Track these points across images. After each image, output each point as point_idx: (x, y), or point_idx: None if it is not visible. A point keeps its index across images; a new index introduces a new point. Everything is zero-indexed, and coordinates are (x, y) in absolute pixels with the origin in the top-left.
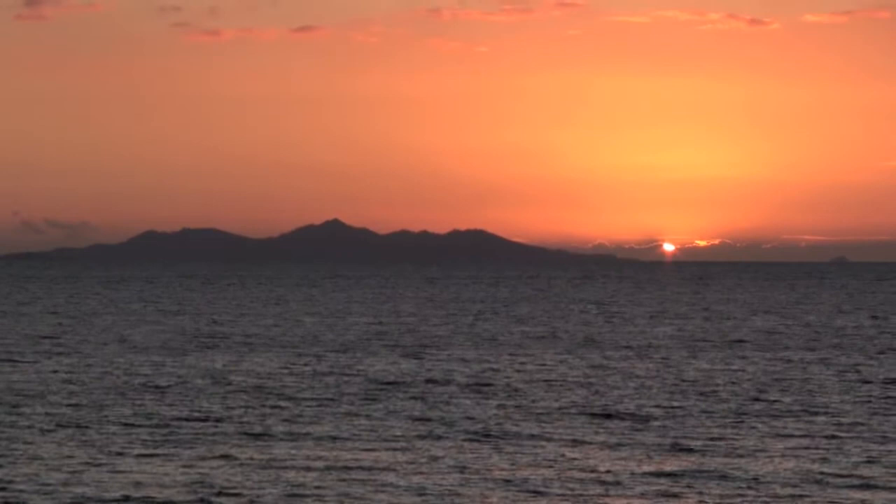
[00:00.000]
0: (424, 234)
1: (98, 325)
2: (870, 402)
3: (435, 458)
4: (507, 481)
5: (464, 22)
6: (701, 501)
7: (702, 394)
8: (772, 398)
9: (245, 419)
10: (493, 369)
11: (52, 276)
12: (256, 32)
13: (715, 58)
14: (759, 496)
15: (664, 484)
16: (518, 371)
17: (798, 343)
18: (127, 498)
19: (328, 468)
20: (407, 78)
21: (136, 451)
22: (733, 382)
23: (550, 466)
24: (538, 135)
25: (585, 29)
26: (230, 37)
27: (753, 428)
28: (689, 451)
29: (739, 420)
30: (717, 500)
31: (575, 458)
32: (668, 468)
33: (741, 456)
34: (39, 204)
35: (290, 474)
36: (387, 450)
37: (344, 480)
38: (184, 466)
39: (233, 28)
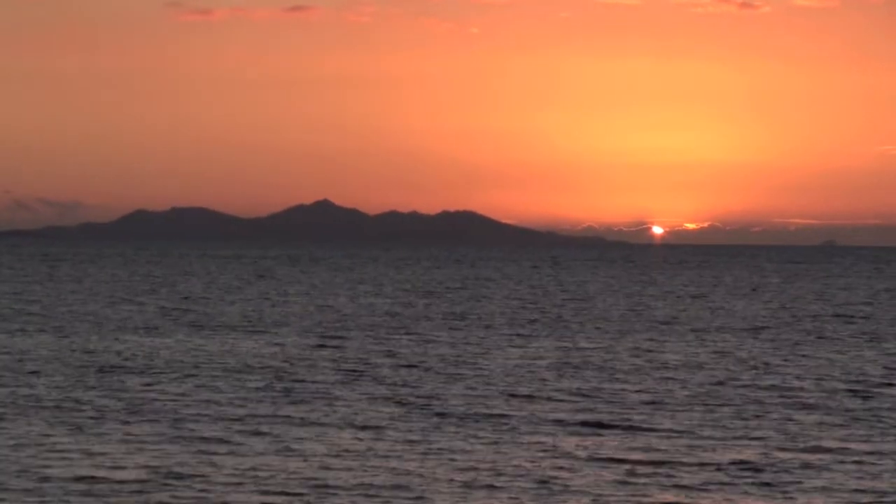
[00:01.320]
0: (414, 215)
1: (76, 302)
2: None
3: (410, 442)
4: (482, 466)
5: (456, 2)
6: (670, 483)
7: (668, 377)
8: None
9: (215, 400)
10: (465, 351)
11: (32, 253)
12: (249, 12)
13: (705, 41)
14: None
15: (632, 467)
16: (493, 353)
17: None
18: (93, 478)
19: (298, 453)
20: (399, 58)
21: (101, 431)
22: (700, 365)
23: (529, 450)
24: (529, 116)
25: (577, 11)
26: (222, 16)
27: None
28: (655, 433)
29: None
30: (679, 481)
31: (552, 441)
32: (637, 452)
33: (698, 439)
34: (31, 183)
35: (261, 460)
36: (360, 434)
37: (315, 464)
38: (150, 447)
39: (225, 7)
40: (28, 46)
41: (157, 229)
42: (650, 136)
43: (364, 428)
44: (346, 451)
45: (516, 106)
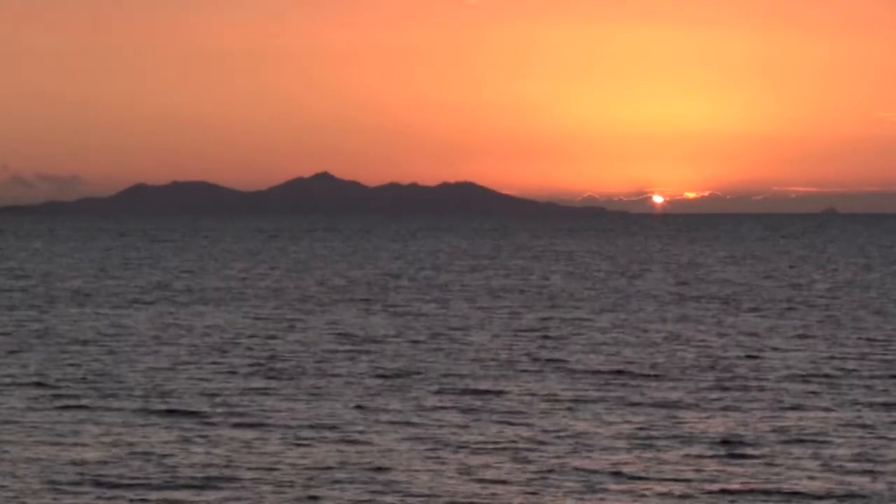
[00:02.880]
0: (414, 187)
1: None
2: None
3: (395, 412)
4: (472, 442)
5: None
6: (655, 458)
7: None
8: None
9: (199, 376)
10: (451, 324)
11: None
12: None
13: (707, 9)
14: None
15: (628, 439)
16: (479, 325)
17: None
18: (73, 462)
19: (280, 425)
20: (397, 30)
21: (73, 408)
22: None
23: (513, 423)
24: (529, 87)
25: None
26: None
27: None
28: (652, 406)
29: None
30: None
31: (542, 413)
32: (630, 424)
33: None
34: (30, 158)
35: (242, 434)
36: (344, 407)
37: (296, 436)
38: (124, 425)
39: None
40: (24, 21)
41: (157, 204)
42: (650, 105)
43: (347, 404)
44: (328, 426)
45: (516, 76)
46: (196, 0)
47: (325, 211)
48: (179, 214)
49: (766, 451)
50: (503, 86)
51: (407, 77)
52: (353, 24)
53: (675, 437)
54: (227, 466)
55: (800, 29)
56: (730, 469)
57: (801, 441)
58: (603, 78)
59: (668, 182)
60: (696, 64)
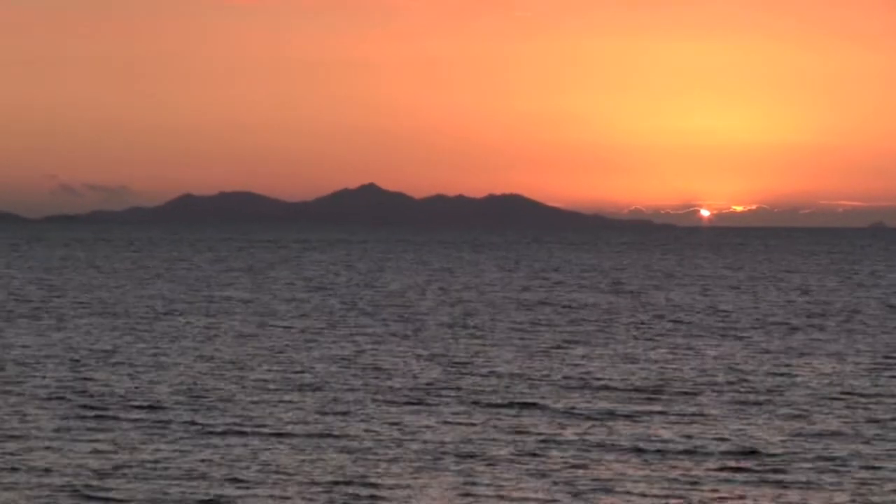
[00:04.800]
0: (460, 199)
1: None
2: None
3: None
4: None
5: None
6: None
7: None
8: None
9: (194, 392)
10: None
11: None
12: None
13: (755, 22)
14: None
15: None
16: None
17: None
18: (48, 470)
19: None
20: (443, 42)
21: (60, 424)
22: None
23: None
24: (576, 99)
25: None
26: (265, 0)
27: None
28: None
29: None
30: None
31: (522, 425)
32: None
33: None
34: (79, 167)
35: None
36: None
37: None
38: (113, 442)
39: None
40: (73, 30)
41: (205, 213)
42: (698, 117)
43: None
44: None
45: (563, 88)
46: (241, 10)
47: (372, 222)
48: (226, 224)
49: (799, 475)
50: (550, 97)
51: (453, 88)
52: (399, 36)
53: (692, 451)
54: (240, 479)
55: (849, 42)
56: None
57: (824, 459)
58: (651, 90)
59: (716, 195)
60: (745, 76)
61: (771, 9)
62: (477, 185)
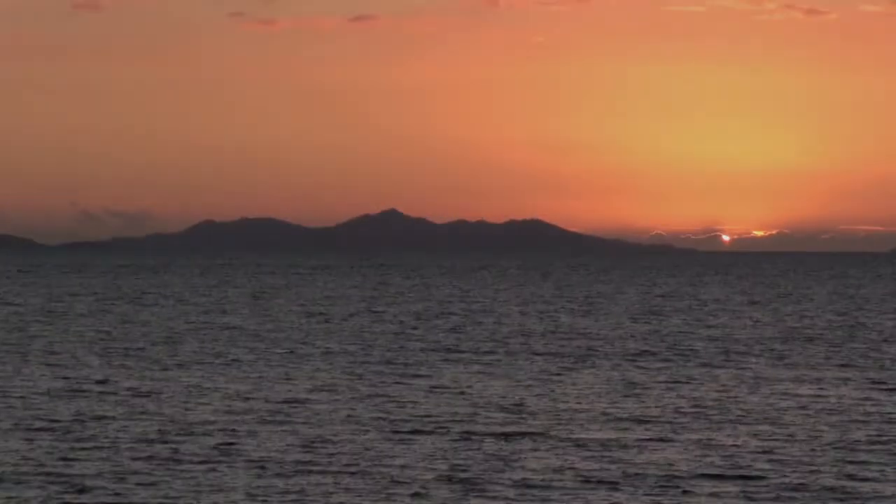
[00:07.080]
0: (481, 224)
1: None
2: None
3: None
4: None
5: (520, 11)
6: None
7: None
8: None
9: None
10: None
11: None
12: (312, 21)
13: (772, 48)
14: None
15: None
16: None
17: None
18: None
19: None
20: (463, 67)
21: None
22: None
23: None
24: (595, 124)
25: (642, 18)
26: (286, 26)
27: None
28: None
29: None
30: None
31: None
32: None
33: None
34: (99, 193)
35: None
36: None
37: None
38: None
39: (288, 17)
40: (93, 56)
41: (226, 240)
42: (718, 143)
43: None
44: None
45: (582, 114)
46: (262, 36)
47: (393, 248)
48: (248, 251)
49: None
50: (570, 124)
51: (473, 115)
52: (418, 62)
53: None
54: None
55: (871, 67)
56: None
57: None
58: (670, 115)
59: (737, 220)
60: (765, 102)
61: (788, 35)
62: (498, 210)
